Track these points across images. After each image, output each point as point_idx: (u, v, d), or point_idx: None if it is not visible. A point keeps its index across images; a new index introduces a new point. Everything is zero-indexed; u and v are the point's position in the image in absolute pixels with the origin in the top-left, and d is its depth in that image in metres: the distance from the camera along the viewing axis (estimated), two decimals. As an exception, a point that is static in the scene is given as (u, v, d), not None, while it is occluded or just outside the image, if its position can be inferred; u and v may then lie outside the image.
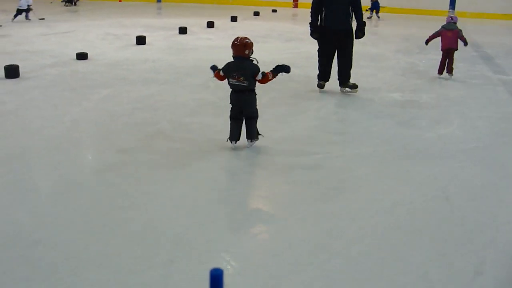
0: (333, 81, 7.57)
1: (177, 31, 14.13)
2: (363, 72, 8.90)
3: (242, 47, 4.75)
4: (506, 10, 21.69)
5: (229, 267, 3.02)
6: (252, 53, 4.82)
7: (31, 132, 5.45)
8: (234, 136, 4.95)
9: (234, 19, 18.07)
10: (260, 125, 5.03)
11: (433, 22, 19.11)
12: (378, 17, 20.56)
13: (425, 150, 5.12)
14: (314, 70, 7.81)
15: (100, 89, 7.32)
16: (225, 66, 4.86)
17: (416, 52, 11.77)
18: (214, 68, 5.00)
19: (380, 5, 20.55)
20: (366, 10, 19.19)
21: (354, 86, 7.44)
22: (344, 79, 7.44)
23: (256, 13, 20.74)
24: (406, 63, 10.23)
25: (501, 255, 3.24)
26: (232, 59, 4.85)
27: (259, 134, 5.04)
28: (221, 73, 4.87)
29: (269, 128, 5.29)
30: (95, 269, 2.96)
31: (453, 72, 8.72)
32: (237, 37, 4.87)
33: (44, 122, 5.77)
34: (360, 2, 7.23)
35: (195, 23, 16.24)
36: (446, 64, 8.70)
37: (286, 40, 13.31)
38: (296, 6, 25.60)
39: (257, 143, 5.05)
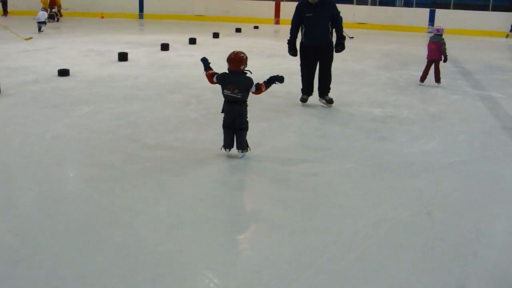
0: (316, 95, 7.66)
1: (159, 47, 14.11)
2: (344, 88, 8.99)
3: (237, 62, 4.97)
4: (484, 27, 22.10)
5: (212, 285, 3.00)
6: (246, 66, 5.02)
7: (12, 148, 5.38)
8: (228, 144, 5.13)
9: (216, 35, 18.13)
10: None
11: (413, 38, 19.49)
12: None
13: (407, 165, 5.16)
14: (296, 86, 7.87)
15: (82, 106, 7.28)
16: (221, 75, 5.05)
17: (397, 67, 11.93)
18: (205, 62, 5.32)
19: (360, 22, 20.82)
20: None
21: (330, 101, 7.60)
22: (323, 92, 7.63)
23: (238, 30, 20.83)
24: (387, 79, 10.35)
25: (484, 270, 3.27)
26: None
27: (248, 147, 5.15)
28: (215, 79, 5.07)
29: (252, 143, 5.30)
30: (78, 287, 2.93)
31: (441, 81, 9.43)
32: (233, 52, 5.05)
33: (26, 139, 5.71)
34: (340, 18, 7.38)
35: (177, 40, 16.26)
36: (434, 74, 9.36)
37: (268, 56, 13.38)
38: (277, 22, 25.79)
39: (240, 160, 5.07)
